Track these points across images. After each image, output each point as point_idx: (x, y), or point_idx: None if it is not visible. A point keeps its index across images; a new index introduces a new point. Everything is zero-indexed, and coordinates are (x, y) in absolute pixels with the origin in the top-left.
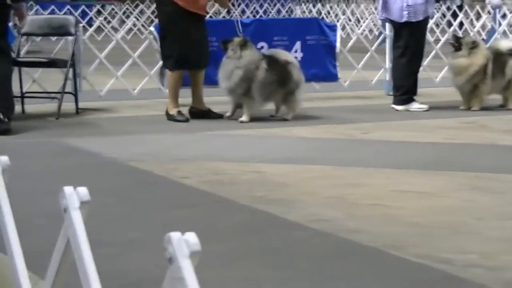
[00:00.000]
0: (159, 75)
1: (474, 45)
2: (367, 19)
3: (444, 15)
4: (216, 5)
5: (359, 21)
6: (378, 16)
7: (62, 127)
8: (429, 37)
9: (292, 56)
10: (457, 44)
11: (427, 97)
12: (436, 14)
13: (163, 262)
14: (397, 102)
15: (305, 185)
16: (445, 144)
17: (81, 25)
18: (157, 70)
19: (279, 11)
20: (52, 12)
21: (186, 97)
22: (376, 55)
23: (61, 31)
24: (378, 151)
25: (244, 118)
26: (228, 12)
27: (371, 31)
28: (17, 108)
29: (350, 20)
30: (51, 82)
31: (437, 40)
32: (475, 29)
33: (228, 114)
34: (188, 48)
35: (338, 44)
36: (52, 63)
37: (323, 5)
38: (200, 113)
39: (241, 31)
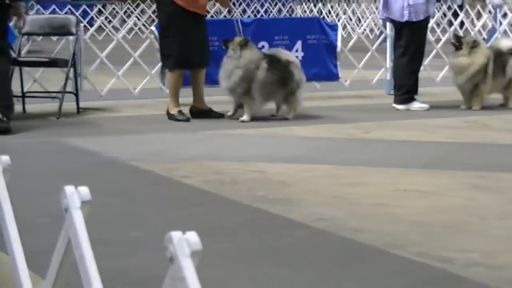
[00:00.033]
0: (160, 75)
1: (474, 45)
2: (368, 18)
3: (445, 15)
4: (217, 4)
5: (360, 21)
6: (379, 16)
7: (63, 126)
8: (430, 36)
9: (294, 55)
10: (457, 43)
11: (428, 96)
12: (437, 14)
13: (164, 261)
14: (398, 101)
15: (307, 184)
16: (446, 143)
17: (82, 24)
18: (158, 70)
19: (280, 11)
20: (53, 12)
21: (187, 96)
22: (377, 54)
23: (62, 30)
24: (380, 151)
25: (245, 117)
26: (229, 11)
27: (372, 30)
28: (18, 107)
29: (351, 20)
30: (52, 81)
31: (438, 40)
32: (476, 29)
33: (229, 113)
34: (188, 47)
35: (339, 44)
36: (53, 63)
37: (324, 5)
38: (201, 112)
39: (240, 31)
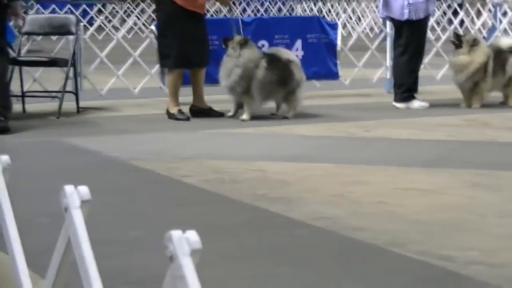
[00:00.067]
0: (160, 74)
1: (474, 43)
2: (368, 17)
3: (445, 13)
4: (217, 4)
5: (360, 19)
6: (379, 14)
7: (63, 126)
8: (430, 35)
9: (294, 54)
10: (457, 41)
11: (428, 94)
12: (437, 12)
13: (164, 260)
14: (398, 100)
15: (307, 183)
16: (446, 141)
17: (82, 24)
18: (158, 69)
19: (280, 10)
20: (53, 11)
21: (187, 95)
22: (377, 53)
23: (62, 30)
24: (380, 149)
25: (244, 116)
26: (230, 10)
27: (372, 29)
28: (18, 107)
29: (351, 18)
30: (52, 81)
31: (438, 38)
32: (476, 27)
33: (230, 114)
34: (187, 47)
35: (339, 42)
36: (53, 62)
37: (324, 3)
38: (201, 111)
39: (239, 31)
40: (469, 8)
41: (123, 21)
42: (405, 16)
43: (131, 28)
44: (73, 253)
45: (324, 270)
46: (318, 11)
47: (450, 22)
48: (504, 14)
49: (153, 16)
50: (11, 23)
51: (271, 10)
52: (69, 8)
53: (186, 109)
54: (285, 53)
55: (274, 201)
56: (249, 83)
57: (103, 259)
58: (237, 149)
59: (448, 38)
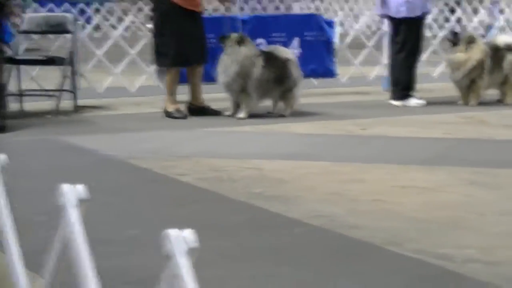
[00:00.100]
0: (157, 72)
1: (471, 40)
2: (365, 15)
3: (442, 11)
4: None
5: (357, 17)
6: (376, 12)
7: (60, 124)
8: (427, 32)
9: (292, 53)
10: (454, 39)
11: (425, 92)
12: (434, 10)
13: (161, 259)
14: (395, 97)
15: (304, 181)
16: (444, 139)
17: (79, 22)
18: (156, 67)
19: (277, 8)
20: (50, 10)
21: (184, 93)
22: (374, 50)
23: (59, 28)
24: (377, 147)
25: (241, 114)
26: (228, 7)
27: (369, 27)
28: (15, 106)
29: (348, 16)
30: (49, 79)
31: (435, 36)
32: (473, 25)
33: (228, 113)
34: (184, 45)
35: (336, 40)
36: (50, 61)
37: (321, 1)
38: (198, 109)
39: (233, 28)
40: (467, 6)
41: (120, 19)
42: (402, 14)
43: (129, 27)
44: (70, 251)
45: (321, 269)
46: (315, 9)
47: (447, 19)
48: (501, 11)
49: (151, 14)
50: (8, 23)
51: (269, 8)
52: (66, 7)
53: (183, 108)
54: (282, 51)
55: (271, 200)
56: (246, 81)
57: (100, 258)
58: (234, 147)
59: (445, 35)
